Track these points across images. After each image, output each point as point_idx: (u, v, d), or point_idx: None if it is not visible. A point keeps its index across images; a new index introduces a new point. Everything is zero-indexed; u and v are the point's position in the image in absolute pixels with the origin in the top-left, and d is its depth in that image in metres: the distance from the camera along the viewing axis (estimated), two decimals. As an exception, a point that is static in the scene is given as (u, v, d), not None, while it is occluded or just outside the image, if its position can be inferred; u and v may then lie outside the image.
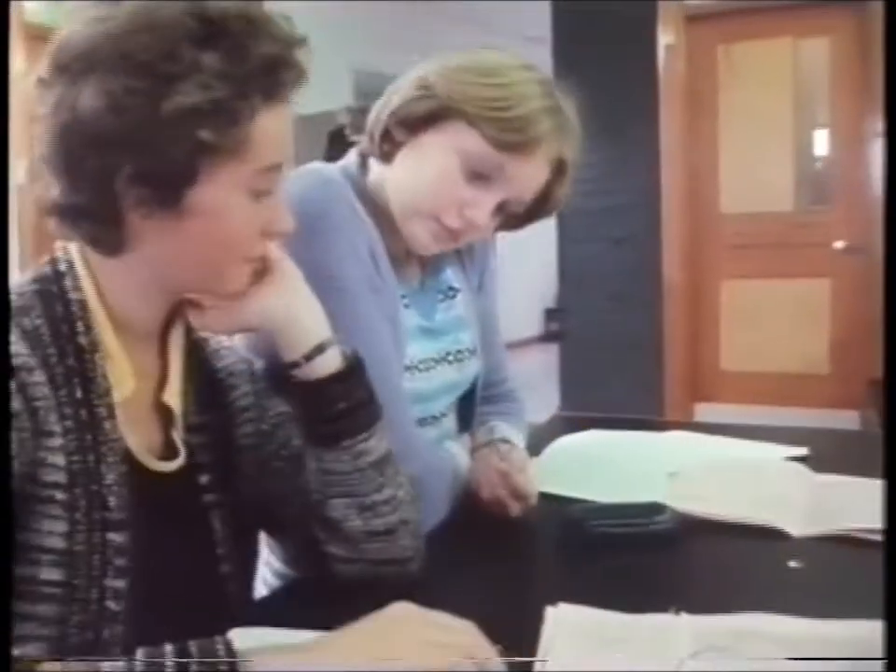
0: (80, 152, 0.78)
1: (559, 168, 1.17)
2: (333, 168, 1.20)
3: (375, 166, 1.21)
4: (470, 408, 1.35)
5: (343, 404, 0.93)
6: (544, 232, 4.92)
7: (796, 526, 1.05)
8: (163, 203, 0.79)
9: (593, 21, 4.53)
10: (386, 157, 1.17)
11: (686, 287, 4.68)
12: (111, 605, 0.81)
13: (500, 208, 1.15)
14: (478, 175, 1.12)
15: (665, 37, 4.46)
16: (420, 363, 1.22)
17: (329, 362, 0.93)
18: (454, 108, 1.11)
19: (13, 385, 0.76)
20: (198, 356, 0.98)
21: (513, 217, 1.21)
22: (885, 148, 1.94)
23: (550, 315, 4.76)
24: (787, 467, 1.29)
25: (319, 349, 0.92)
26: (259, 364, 1.03)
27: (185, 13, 0.77)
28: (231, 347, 1.02)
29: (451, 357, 1.28)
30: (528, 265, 4.69)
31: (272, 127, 0.82)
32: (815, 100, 4.58)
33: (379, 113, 1.18)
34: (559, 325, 4.50)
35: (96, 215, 0.81)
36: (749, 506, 1.11)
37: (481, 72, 1.12)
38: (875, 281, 4.21)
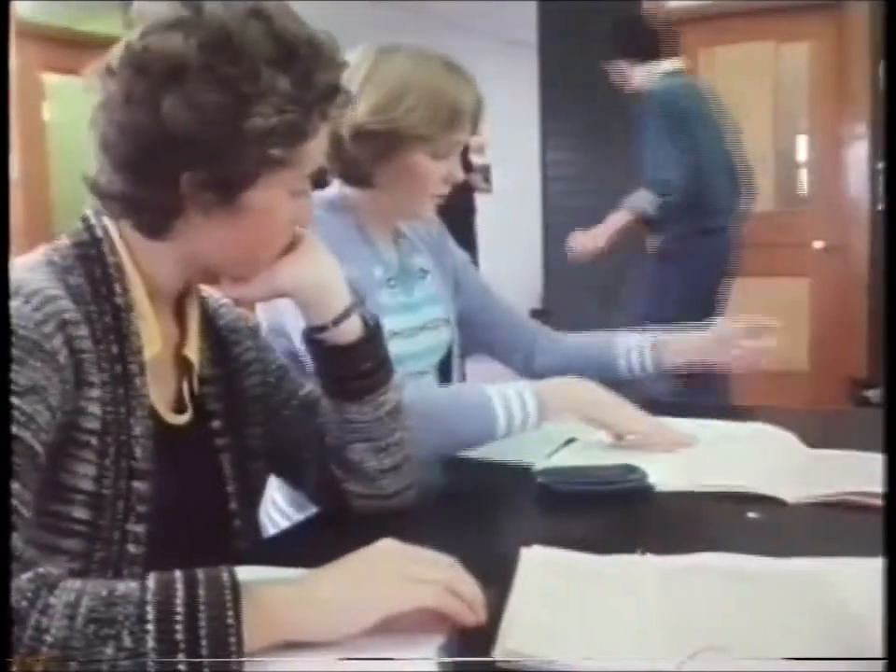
0: (155, 152, 0.85)
1: None
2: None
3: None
4: (448, 368, 1.61)
5: (368, 364, 1.03)
6: (529, 232, 5.00)
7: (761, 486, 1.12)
8: (222, 203, 0.88)
9: (578, 24, 4.59)
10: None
11: (669, 286, 4.73)
12: (131, 548, 0.88)
13: None
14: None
15: (649, 40, 4.52)
16: (406, 330, 1.47)
17: (355, 326, 1.02)
18: None
19: (60, 340, 0.82)
20: (205, 316, 1.05)
21: None
22: (885, 148, 2.01)
23: (535, 315, 4.79)
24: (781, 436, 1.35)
25: (346, 314, 1.01)
26: (255, 320, 1.11)
27: (265, 34, 0.85)
28: (228, 305, 1.10)
29: (429, 325, 1.54)
30: (513, 265, 4.76)
31: (321, 141, 0.92)
32: (795, 103, 4.66)
33: None
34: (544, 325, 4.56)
35: (157, 207, 0.89)
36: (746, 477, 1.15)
37: None
38: (853, 280, 4.31)
